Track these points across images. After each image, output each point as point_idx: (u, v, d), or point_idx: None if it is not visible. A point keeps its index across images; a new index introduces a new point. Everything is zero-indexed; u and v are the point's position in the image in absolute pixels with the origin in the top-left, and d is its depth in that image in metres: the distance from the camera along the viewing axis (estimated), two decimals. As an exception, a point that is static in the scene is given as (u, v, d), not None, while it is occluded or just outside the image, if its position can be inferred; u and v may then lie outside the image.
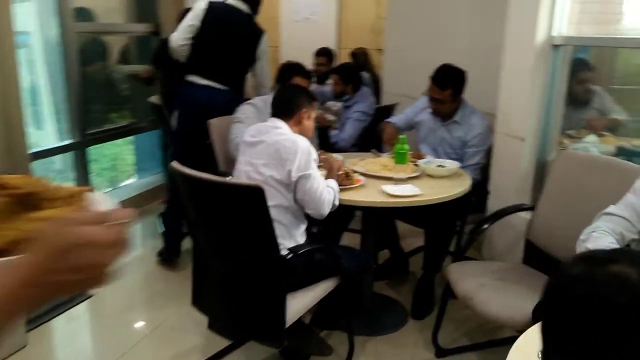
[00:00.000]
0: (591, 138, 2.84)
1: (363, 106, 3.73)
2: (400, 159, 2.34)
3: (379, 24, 5.93)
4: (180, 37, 3.02)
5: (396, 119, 3.15)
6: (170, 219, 3.23)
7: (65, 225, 0.54)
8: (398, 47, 4.38)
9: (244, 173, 2.13)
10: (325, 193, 2.08)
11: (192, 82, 3.10)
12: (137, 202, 4.24)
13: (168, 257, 3.22)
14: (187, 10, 3.18)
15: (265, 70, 3.22)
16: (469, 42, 3.47)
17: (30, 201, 0.67)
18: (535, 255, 2.26)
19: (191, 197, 1.96)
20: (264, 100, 2.82)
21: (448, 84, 2.76)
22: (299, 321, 2.09)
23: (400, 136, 2.36)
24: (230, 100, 3.11)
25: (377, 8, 5.87)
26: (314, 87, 4.50)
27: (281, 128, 2.16)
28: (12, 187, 0.66)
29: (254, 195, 1.79)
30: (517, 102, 2.59)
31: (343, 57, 5.47)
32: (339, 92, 3.82)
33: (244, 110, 2.77)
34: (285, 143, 2.05)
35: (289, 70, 2.73)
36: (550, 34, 2.47)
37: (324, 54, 4.68)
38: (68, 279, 0.53)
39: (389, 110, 3.86)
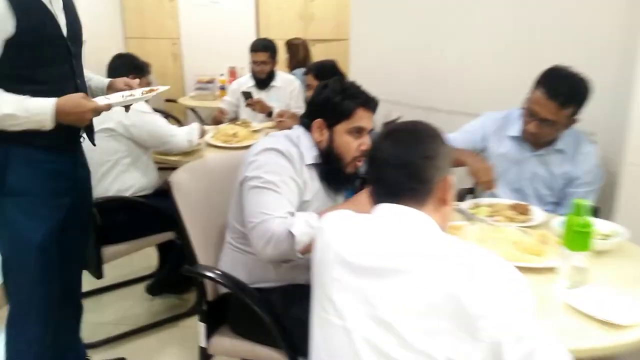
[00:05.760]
0: None
1: None
2: (579, 242, 1.27)
3: (310, 9, 4.78)
4: None
5: (452, 138, 2.04)
6: None
7: None
8: (370, 35, 3.29)
9: (364, 342, 0.91)
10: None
11: None
12: None
13: None
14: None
15: None
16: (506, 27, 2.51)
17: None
18: None
19: None
20: (292, 141, 1.52)
21: (572, 99, 1.76)
22: None
23: (580, 201, 1.29)
24: None
25: (306, -12, 4.71)
26: (262, 95, 3.29)
27: (433, 231, 0.98)
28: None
29: None
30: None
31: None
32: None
33: (273, 167, 1.42)
34: (474, 280, 0.87)
35: None
36: None
37: (266, 48, 3.30)
38: None
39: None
